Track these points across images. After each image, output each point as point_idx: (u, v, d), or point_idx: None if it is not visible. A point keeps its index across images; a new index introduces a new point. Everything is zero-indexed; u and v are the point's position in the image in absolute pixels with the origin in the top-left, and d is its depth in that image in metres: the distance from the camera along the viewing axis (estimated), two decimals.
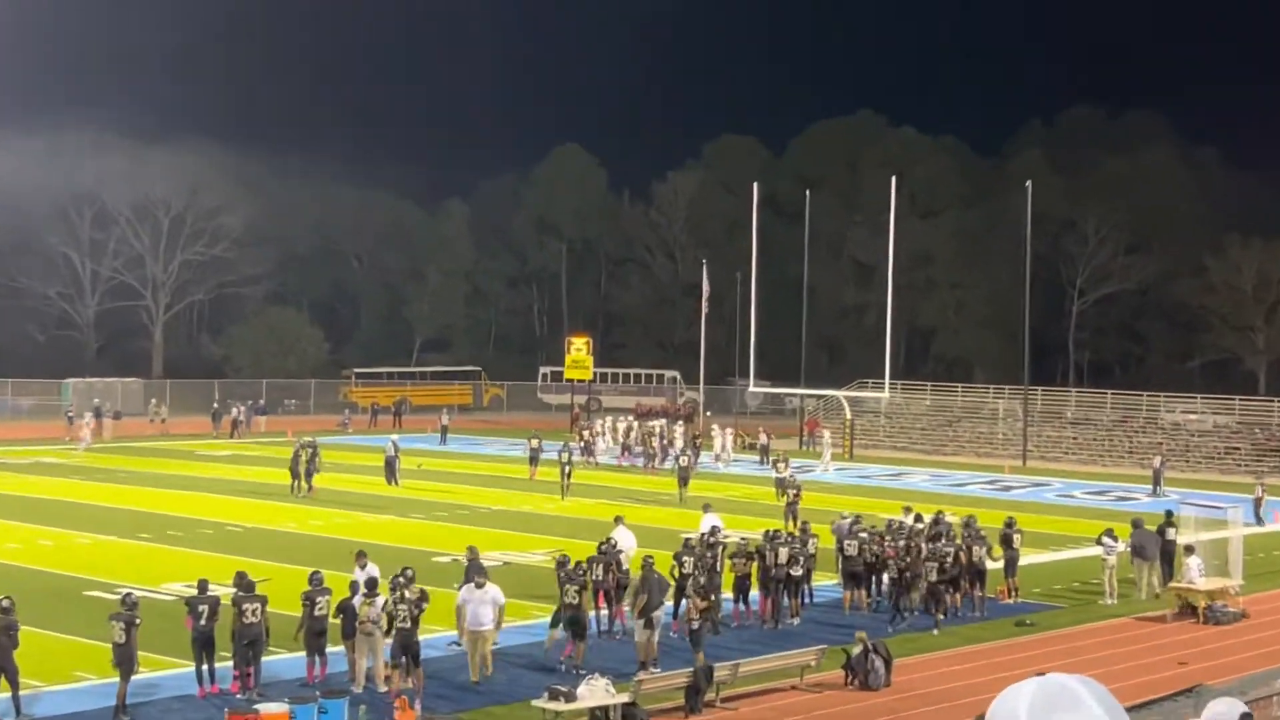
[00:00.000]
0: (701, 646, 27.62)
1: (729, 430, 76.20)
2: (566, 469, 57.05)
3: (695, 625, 28.10)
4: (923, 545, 34.15)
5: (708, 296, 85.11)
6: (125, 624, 23.73)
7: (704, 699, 24.99)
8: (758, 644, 29.84)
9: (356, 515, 49.32)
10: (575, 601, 28.02)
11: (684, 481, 56.63)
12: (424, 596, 25.78)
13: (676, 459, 60.23)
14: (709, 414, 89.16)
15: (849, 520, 36.62)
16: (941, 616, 32.71)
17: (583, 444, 71.52)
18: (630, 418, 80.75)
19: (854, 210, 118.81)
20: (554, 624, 28.46)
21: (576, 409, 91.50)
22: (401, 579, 26.64)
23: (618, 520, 35.03)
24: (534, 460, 62.96)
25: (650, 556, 29.73)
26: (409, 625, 24.99)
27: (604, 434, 75.69)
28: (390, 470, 57.98)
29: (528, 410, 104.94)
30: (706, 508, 38.08)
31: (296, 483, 55.19)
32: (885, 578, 34.45)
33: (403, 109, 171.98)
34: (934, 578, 33.11)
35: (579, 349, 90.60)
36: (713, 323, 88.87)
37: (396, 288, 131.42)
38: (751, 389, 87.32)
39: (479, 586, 27.27)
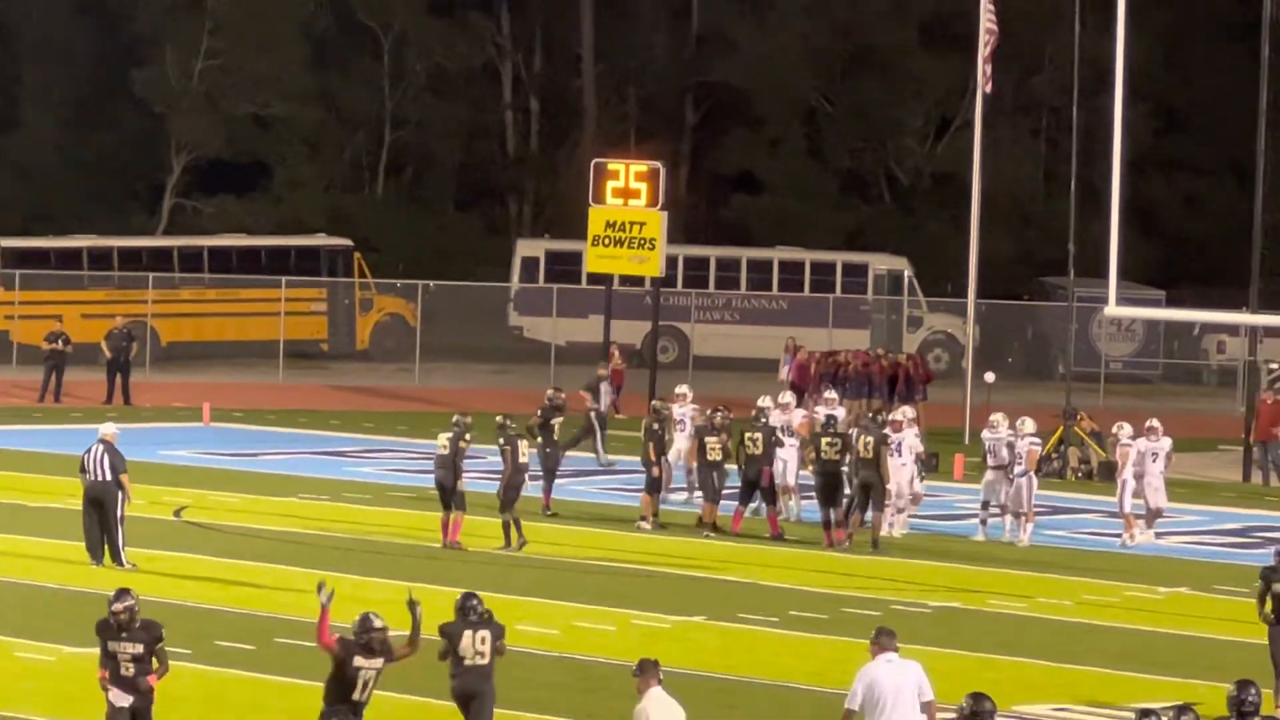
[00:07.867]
0: None
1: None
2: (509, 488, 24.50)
3: None
4: None
5: (991, 48, 35.08)
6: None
7: None
8: None
9: None
10: None
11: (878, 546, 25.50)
12: None
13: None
14: (990, 378, 35.33)
15: None
16: None
17: (653, 461, 27.08)
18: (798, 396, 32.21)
19: None
20: None
21: (617, 354, 37.98)
22: None
23: (645, 673, 13.11)
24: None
25: None
26: None
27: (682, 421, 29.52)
28: (102, 528, 21.96)
29: (474, 361, 46.43)
30: None
31: None
32: None
33: None
34: None
35: (626, 185, 35.06)
36: (997, 130, 44.35)
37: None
38: (1114, 310, 28.25)
39: None
